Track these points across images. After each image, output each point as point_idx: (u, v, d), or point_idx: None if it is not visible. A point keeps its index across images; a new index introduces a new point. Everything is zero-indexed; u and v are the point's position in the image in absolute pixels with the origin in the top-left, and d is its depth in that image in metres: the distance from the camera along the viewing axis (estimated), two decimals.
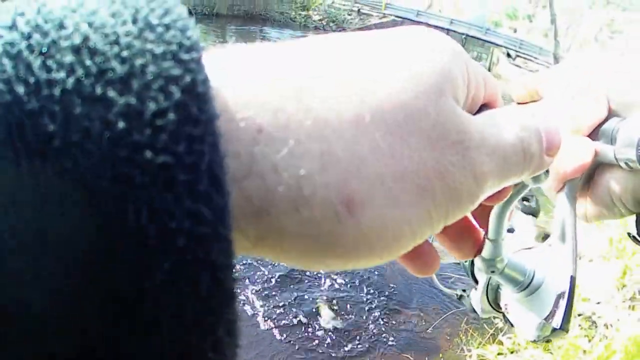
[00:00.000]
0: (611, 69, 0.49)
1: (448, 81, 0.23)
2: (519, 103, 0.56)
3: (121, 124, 0.15)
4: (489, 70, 22.64)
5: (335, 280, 4.72)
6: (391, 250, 0.22)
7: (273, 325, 4.14)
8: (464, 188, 0.23)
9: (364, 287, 4.80)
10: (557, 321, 0.42)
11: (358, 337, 4.27)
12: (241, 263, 4.52)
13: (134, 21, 0.16)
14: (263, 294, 4.39)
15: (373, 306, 4.62)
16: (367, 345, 4.21)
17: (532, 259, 0.46)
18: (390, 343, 4.29)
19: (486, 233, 0.38)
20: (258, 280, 4.49)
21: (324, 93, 0.20)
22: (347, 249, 0.20)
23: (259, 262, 4.64)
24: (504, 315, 0.50)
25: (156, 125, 0.15)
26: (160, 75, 0.16)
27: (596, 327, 3.66)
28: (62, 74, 0.15)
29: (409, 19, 25.04)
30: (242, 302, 4.19)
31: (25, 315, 0.14)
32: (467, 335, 4.34)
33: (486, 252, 0.39)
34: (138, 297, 0.15)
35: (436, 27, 24.63)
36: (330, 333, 4.25)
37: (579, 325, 3.60)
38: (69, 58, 0.15)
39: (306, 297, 4.52)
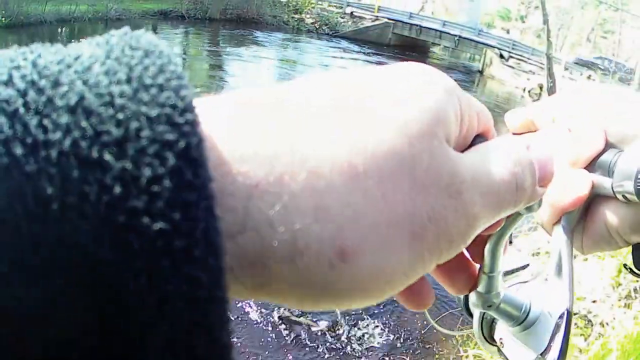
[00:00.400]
0: (608, 101, 0.48)
1: (441, 123, 0.23)
2: (514, 134, 0.55)
3: (117, 189, 0.15)
4: (482, 71, 22.76)
5: None
6: (384, 292, 0.22)
7: (267, 323, 4.13)
8: (457, 230, 0.23)
9: None
10: (553, 356, 0.41)
11: (353, 338, 4.27)
12: None
13: (128, 80, 0.16)
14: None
15: (369, 306, 4.61)
16: (362, 346, 4.21)
17: (527, 292, 0.45)
18: (386, 343, 4.29)
19: (481, 267, 0.36)
20: None
21: (317, 143, 0.20)
22: (341, 294, 0.21)
23: None
24: (499, 350, 0.49)
25: (152, 192, 0.15)
26: (155, 140, 0.16)
27: (592, 325, 3.67)
28: (58, 135, 0.15)
29: (401, 22, 25.13)
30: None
31: None
32: (463, 336, 4.35)
33: (482, 286, 0.37)
34: (143, 342, 0.15)
35: (429, 28, 24.76)
36: (325, 334, 4.25)
37: (575, 324, 3.62)
38: (64, 118, 0.15)
39: None
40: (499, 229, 0.32)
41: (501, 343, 0.48)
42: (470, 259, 0.35)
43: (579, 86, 0.53)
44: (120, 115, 0.16)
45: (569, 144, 0.47)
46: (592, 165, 0.46)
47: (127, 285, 0.15)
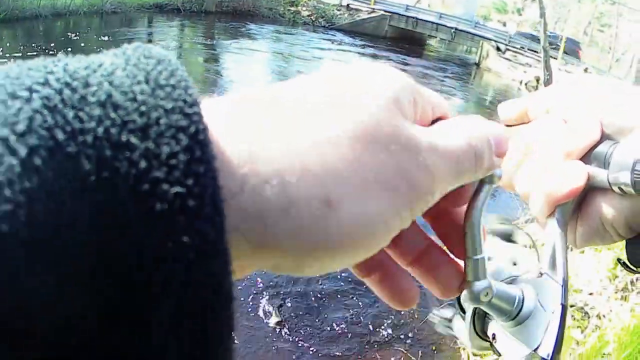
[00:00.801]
0: (604, 92, 0.48)
1: (397, 105, 0.28)
2: (507, 125, 0.56)
3: (143, 164, 0.19)
4: (479, 63, 22.73)
5: (329, 275, 4.73)
6: (371, 241, 0.27)
7: (268, 318, 4.14)
8: (421, 183, 0.28)
9: (357, 283, 4.81)
10: (546, 352, 0.41)
11: (350, 333, 4.28)
12: None
13: (147, 81, 0.21)
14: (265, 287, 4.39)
15: (365, 302, 4.64)
16: (360, 341, 4.22)
17: (521, 287, 0.44)
18: (382, 338, 4.31)
19: (465, 253, 0.36)
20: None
21: (302, 123, 0.25)
22: (333, 242, 0.25)
23: None
24: (491, 345, 0.49)
25: (170, 165, 0.19)
26: (171, 125, 0.20)
27: (589, 318, 3.68)
28: (93, 124, 0.19)
29: (398, 14, 25.06)
30: None
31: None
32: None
33: (470, 274, 0.36)
34: (163, 289, 0.19)
35: (425, 21, 24.72)
36: (323, 329, 4.27)
37: (572, 316, 3.63)
38: (97, 111, 0.19)
39: (302, 291, 4.53)
40: (469, 204, 0.35)
41: (494, 339, 0.47)
42: (453, 256, 0.37)
43: (574, 77, 0.53)
44: (143, 108, 0.20)
45: (564, 135, 0.47)
46: (587, 157, 0.46)
47: (150, 241, 0.19)
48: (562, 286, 0.43)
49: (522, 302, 0.43)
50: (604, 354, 3.36)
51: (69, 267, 0.17)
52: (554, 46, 22.09)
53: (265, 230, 0.23)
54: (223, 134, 0.23)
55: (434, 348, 3.98)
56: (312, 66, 14.29)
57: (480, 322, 0.51)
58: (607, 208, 0.46)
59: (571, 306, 3.74)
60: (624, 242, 0.48)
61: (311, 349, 4.00)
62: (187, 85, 0.21)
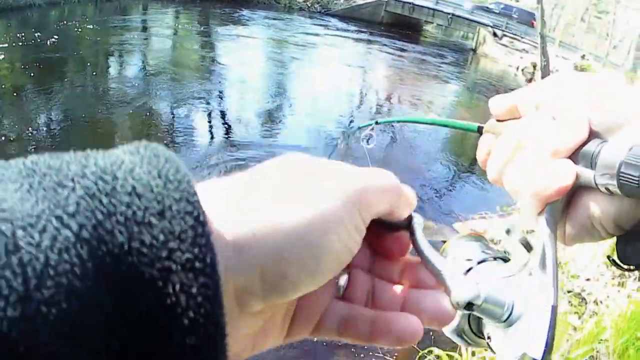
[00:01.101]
0: (593, 89, 0.48)
1: (348, 203, 0.34)
2: (498, 120, 0.57)
3: (162, 237, 0.25)
4: (475, 49, 22.68)
5: None
6: (332, 265, 0.34)
7: None
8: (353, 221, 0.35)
9: None
10: (537, 352, 0.42)
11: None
12: None
13: (159, 177, 0.27)
14: None
15: None
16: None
17: (512, 288, 0.45)
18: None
19: (437, 279, 0.40)
20: None
21: (271, 204, 0.32)
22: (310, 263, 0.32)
23: None
24: (488, 344, 0.50)
25: (182, 238, 0.26)
26: (180, 210, 0.26)
27: (586, 303, 3.68)
28: (123, 208, 0.25)
29: None
30: None
31: None
32: None
33: (449, 289, 0.40)
34: (174, 325, 0.25)
35: (422, 6, 24.59)
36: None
37: (569, 302, 3.63)
38: (125, 199, 0.26)
39: None
40: (412, 243, 0.41)
41: (489, 338, 0.49)
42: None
43: (564, 72, 0.53)
44: (159, 197, 0.26)
45: (552, 133, 0.47)
46: (575, 155, 0.46)
47: (167, 291, 0.25)
48: (553, 287, 0.44)
49: (513, 305, 0.44)
50: (601, 339, 3.37)
51: (96, 305, 0.23)
52: (508, 17, 23.81)
53: (246, 278, 0.30)
54: (216, 214, 0.30)
55: (433, 336, 3.95)
56: (307, 52, 14.20)
57: (475, 322, 0.52)
58: (595, 207, 0.46)
59: (568, 292, 3.74)
60: (611, 261, 0.49)
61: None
62: (189, 178, 0.28)
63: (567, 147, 0.46)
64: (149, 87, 7.94)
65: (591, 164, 0.45)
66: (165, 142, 6.41)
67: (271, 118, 8.32)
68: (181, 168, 0.28)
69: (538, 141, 0.48)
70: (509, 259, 0.52)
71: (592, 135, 0.46)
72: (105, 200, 0.25)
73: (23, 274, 0.22)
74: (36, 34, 8.90)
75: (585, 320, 3.58)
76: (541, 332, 0.42)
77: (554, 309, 0.42)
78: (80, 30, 12.12)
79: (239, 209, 0.32)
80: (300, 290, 0.33)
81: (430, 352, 3.61)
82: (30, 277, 0.22)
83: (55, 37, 9.36)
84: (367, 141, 1.57)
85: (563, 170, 0.45)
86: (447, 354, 3.44)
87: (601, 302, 3.67)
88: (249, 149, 6.73)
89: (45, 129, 5.89)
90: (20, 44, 8.34)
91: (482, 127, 0.61)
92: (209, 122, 7.46)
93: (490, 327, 0.48)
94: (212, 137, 7.00)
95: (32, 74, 7.42)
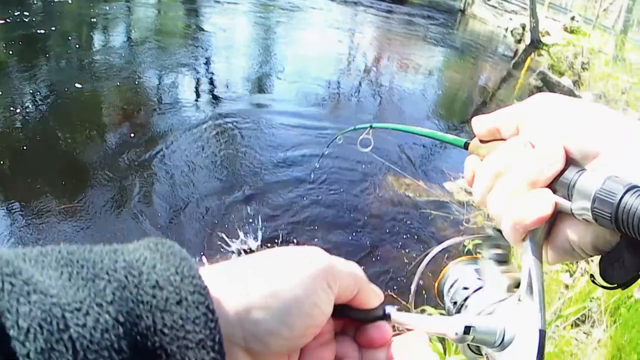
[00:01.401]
0: (570, 114, 0.50)
1: (323, 273, 0.41)
2: (481, 140, 0.60)
3: (179, 322, 0.32)
4: (464, 10, 22.44)
5: (318, 215, 4.72)
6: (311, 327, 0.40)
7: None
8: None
9: (345, 229, 4.82)
10: None
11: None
12: None
13: (177, 273, 0.34)
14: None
15: (351, 248, 4.66)
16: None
17: (501, 315, 0.50)
18: (371, 280, 4.27)
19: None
20: None
21: (262, 286, 0.38)
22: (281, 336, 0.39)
23: None
24: None
25: (196, 322, 0.32)
26: (194, 301, 0.33)
27: (577, 262, 3.71)
28: (149, 298, 0.32)
29: None
30: None
31: None
32: None
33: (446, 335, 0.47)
34: None
35: None
36: None
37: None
38: (150, 291, 0.32)
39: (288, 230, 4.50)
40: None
41: (486, 357, 0.52)
42: None
43: (544, 94, 0.54)
44: (177, 290, 0.33)
45: (529, 162, 0.49)
46: (553, 182, 0.48)
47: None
48: (540, 312, 0.46)
49: (504, 331, 0.48)
50: (593, 297, 3.40)
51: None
52: None
53: (244, 345, 0.37)
54: (220, 300, 0.36)
55: (424, 292, 3.97)
56: (293, 16, 13.97)
57: (474, 346, 0.55)
58: (573, 234, 0.49)
59: None
60: (592, 280, 0.52)
61: None
62: (199, 275, 0.34)
63: (544, 177, 0.48)
64: (135, 56, 7.81)
65: (568, 193, 0.47)
66: (153, 109, 6.41)
67: (259, 82, 8.25)
68: (193, 266, 0.35)
69: (516, 170, 0.50)
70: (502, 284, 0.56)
71: (569, 162, 0.48)
72: (134, 291, 0.32)
73: (72, 348, 0.27)
74: (16, 13, 8.68)
75: (577, 279, 3.61)
76: (531, 355, 0.45)
77: (542, 333, 0.45)
78: (61, 3, 11.85)
79: (236, 287, 0.38)
80: (279, 338, 0.38)
81: (423, 310, 3.63)
82: (78, 350, 0.27)
83: (38, 13, 9.13)
84: (365, 145, 1.60)
85: (542, 201, 0.47)
86: (440, 313, 3.47)
87: (592, 260, 3.69)
88: (237, 112, 6.70)
89: (31, 105, 5.78)
90: (2, 22, 8.13)
91: (467, 143, 0.64)
92: (197, 88, 7.38)
93: (487, 349, 0.52)
94: (199, 102, 6.93)
95: (12, 52, 7.23)
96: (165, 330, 0.31)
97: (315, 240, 4.61)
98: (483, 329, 0.48)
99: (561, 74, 10.93)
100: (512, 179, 0.50)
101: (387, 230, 4.91)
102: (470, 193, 5.71)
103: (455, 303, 0.60)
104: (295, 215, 4.96)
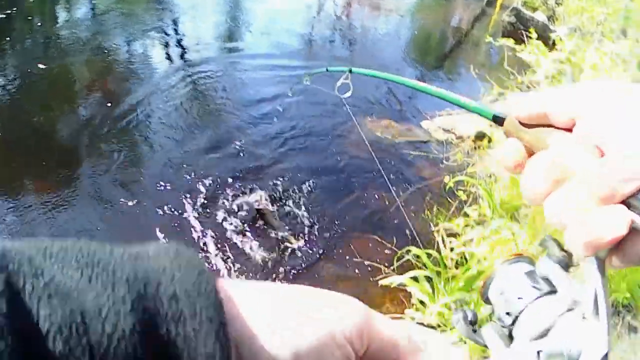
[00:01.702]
0: (635, 116, 0.45)
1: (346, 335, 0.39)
2: (522, 123, 0.53)
3: (192, 334, 0.32)
4: None
5: (301, 167, 4.79)
6: None
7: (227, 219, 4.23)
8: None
9: (326, 174, 4.91)
10: None
11: (320, 221, 4.37)
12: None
13: (194, 284, 0.34)
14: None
15: (333, 192, 4.71)
16: (332, 229, 4.30)
17: (567, 334, 0.48)
18: (355, 225, 4.38)
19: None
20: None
21: (284, 323, 0.37)
22: None
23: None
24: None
25: (211, 333, 0.32)
26: (207, 316, 0.33)
27: None
28: (165, 308, 0.32)
29: None
30: None
31: None
32: (432, 211, 4.47)
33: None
34: None
35: None
36: (295, 220, 4.35)
37: None
38: (166, 301, 0.33)
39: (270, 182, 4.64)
40: None
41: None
42: None
43: (599, 83, 0.49)
44: (193, 300, 0.33)
45: (602, 174, 0.44)
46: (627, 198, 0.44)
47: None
48: (606, 335, 0.45)
49: (569, 352, 0.46)
50: None
51: None
52: None
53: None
54: (236, 320, 0.36)
55: (408, 232, 4.03)
56: None
57: (506, 337, 0.55)
58: None
59: None
60: None
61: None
62: (215, 289, 0.34)
63: (620, 195, 0.43)
64: (101, 26, 7.64)
65: None
66: (125, 75, 6.31)
67: (229, 38, 8.16)
68: (210, 280, 0.35)
69: (585, 181, 0.45)
70: (556, 290, 0.53)
71: None
72: (152, 302, 0.32)
73: (90, 351, 0.29)
74: None
75: None
76: None
77: (606, 356, 0.44)
78: None
79: (272, 327, 0.37)
80: None
81: (409, 251, 3.74)
82: (95, 356, 0.29)
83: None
84: (343, 91, 1.55)
85: (617, 220, 0.43)
86: (426, 252, 3.59)
87: None
88: (209, 70, 6.67)
89: None
90: None
91: (500, 118, 0.56)
92: (167, 49, 7.26)
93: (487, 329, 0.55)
94: (172, 63, 6.86)
95: None
96: (178, 342, 0.32)
97: (299, 186, 4.68)
98: (551, 351, 0.47)
99: (535, 9, 10.80)
100: (580, 191, 0.45)
101: (368, 173, 4.96)
102: (448, 131, 5.78)
103: (508, 314, 0.55)
104: (276, 162, 5.03)
